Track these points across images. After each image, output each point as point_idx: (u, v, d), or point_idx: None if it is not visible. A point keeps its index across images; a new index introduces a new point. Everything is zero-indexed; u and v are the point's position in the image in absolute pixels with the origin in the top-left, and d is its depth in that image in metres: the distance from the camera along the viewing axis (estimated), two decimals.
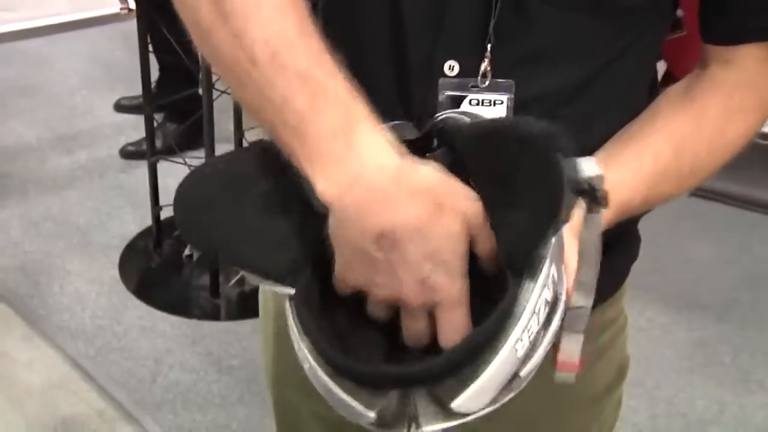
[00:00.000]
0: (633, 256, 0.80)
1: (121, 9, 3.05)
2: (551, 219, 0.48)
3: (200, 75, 2.07)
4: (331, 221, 0.52)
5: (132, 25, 2.31)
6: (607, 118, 0.66)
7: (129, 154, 2.88)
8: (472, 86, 0.62)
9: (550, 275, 0.51)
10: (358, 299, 0.56)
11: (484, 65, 0.61)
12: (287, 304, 0.55)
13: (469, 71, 0.61)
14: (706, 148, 0.64)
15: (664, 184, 0.64)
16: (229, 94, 2.28)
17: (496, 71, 0.61)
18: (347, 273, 0.53)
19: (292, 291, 0.54)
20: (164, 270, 2.40)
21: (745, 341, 2.16)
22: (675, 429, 1.89)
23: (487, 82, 0.61)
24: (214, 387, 1.92)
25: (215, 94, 2.07)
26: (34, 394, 1.88)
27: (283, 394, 0.95)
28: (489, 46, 0.60)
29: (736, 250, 2.54)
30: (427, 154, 0.59)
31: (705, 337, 2.18)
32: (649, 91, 0.70)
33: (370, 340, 0.56)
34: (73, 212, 2.59)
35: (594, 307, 0.62)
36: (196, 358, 2.02)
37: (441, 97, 0.62)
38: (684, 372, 2.06)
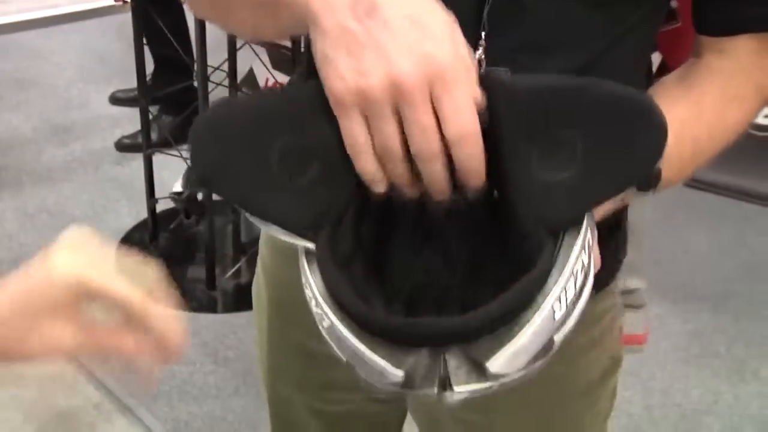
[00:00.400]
0: (626, 245, 0.80)
1: (116, 1, 3.04)
2: (634, 182, 0.49)
3: (195, 67, 2.06)
4: (312, 8, 0.50)
5: (127, 18, 2.30)
6: None
7: (124, 146, 2.87)
8: None
9: (587, 240, 0.51)
10: (376, 251, 0.56)
11: (478, 53, 0.60)
12: (303, 260, 0.54)
13: None
14: (706, 132, 0.64)
15: (666, 170, 0.64)
16: (225, 86, 2.28)
17: (491, 60, 0.61)
18: (336, 69, 0.49)
19: (312, 245, 0.53)
20: (160, 262, 2.40)
21: (739, 332, 2.17)
22: (670, 419, 1.90)
23: (481, 71, 0.61)
24: (210, 378, 1.92)
25: (210, 86, 2.06)
26: (30, 387, 1.87)
27: (276, 387, 0.95)
28: (483, 34, 0.60)
29: (731, 241, 2.55)
30: None
31: (700, 327, 2.19)
32: (644, 82, 0.71)
33: (387, 300, 0.55)
34: (69, 204, 2.59)
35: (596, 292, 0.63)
36: (193, 349, 2.02)
37: None
38: (679, 362, 2.07)
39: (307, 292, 0.53)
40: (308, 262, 0.54)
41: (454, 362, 0.47)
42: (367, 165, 0.51)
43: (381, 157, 0.51)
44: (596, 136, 0.49)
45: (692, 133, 0.64)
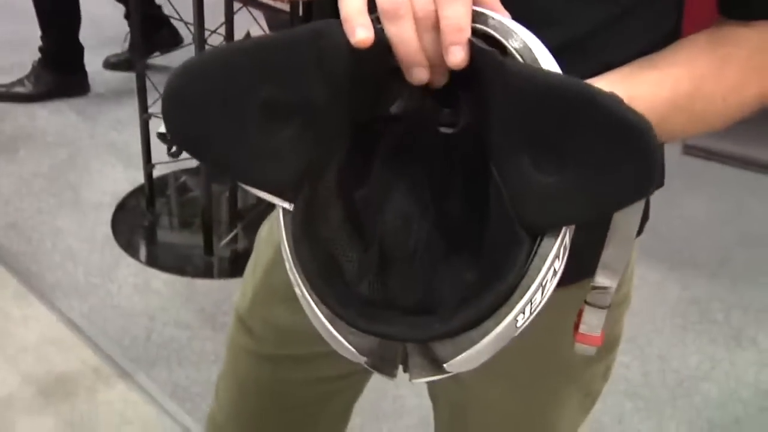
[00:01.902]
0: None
1: None
2: (620, 208, 0.48)
3: (192, 30, 2.03)
4: None
5: None
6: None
7: (111, 65, 3.13)
8: None
9: (563, 244, 0.50)
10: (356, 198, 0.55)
11: None
12: (280, 219, 0.53)
13: None
14: (722, 94, 0.63)
15: (676, 117, 0.62)
16: None
17: None
18: None
19: (289, 206, 0.52)
20: (157, 228, 2.40)
21: (737, 299, 2.17)
22: (667, 385, 1.91)
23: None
24: (207, 344, 1.92)
25: (207, 48, 2.04)
26: (28, 350, 1.88)
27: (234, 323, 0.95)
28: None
29: (730, 209, 2.54)
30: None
31: (697, 294, 2.19)
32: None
33: (363, 260, 0.55)
34: (64, 169, 2.57)
35: (580, 280, 0.62)
36: (190, 315, 2.02)
37: None
38: (676, 329, 2.08)
39: (284, 253, 0.53)
40: (284, 223, 0.53)
41: (415, 358, 0.51)
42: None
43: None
44: (590, 152, 0.46)
45: (710, 90, 0.62)
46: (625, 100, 0.57)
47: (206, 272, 2.19)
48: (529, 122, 0.48)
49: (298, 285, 0.52)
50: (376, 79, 0.54)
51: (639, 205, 0.54)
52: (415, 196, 0.57)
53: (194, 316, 2.01)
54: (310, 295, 0.51)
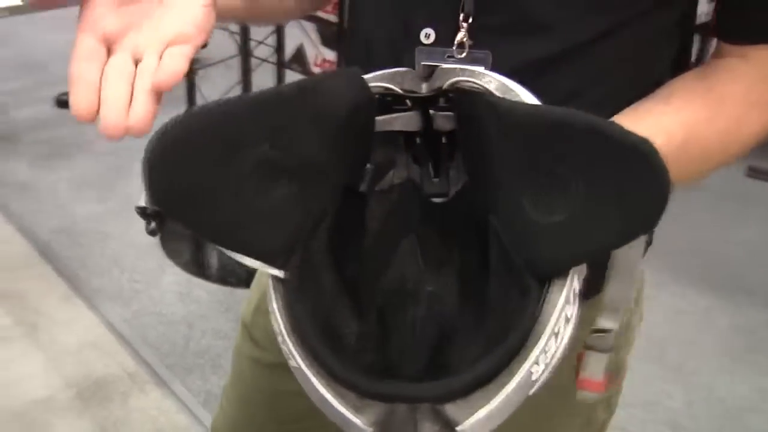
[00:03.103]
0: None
1: None
2: (631, 233, 0.43)
3: (238, 40, 2.05)
4: None
5: None
6: (596, 95, 0.62)
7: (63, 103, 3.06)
8: (449, 56, 0.59)
9: (573, 288, 0.46)
10: (348, 259, 0.53)
11: (461, 35, 0.58)
12: (271, 289, 0.50)
13: (446, 41, 0.59)
14: (718, 139, 0.60)
15: (671, 166, 0.60)
16: (271, 62, 2.24)
17: (477, 41, 0.58)
18: None
19: (281, 273, 0.49)
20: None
21: None
22: (712, 415, 1.84)
23: (464, 53, 0.58)
24: None
25: (255, 63, 2.05)
26: (70, 354, 1.91)
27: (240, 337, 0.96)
28: (462, 15, 0.58)
29: None
30: (431, 112, 0.56)
31: (747, 322, 2.11)
32: (646, 83, 0.65)
33: (362, 329, 0.52)
34: (114, 177, 2.63)
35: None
36: (229, 324, 2.04)
37: (417, 67, 0.58)
38: (724, 358, 2.00)
39: (274, 324, 0.49)
40: (275, 291, 0.50)
41: (426, 423, 0.45)
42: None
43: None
44: (596, 182, 0.43)
45: (705, 136, 0.59)
46: None
47: (248, 282, 2.20)
48: (529, 159, 0.46)
49: (293, 356, 0.48)
50: (367, 145, 0.54)
51: (640, 240, 0.50)
52: (411, 265, 0.56)
53: (232, 326, 2.02)
54: (308, 366, 0.47)
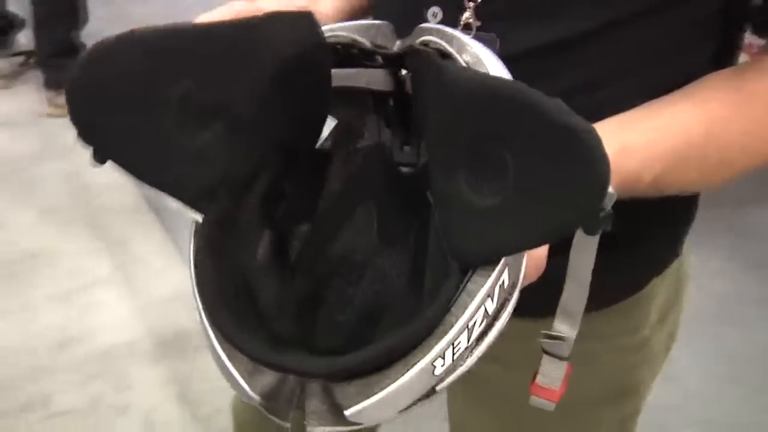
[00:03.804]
0: (649, 263, 0.69)
1: None
2: (572, 222, 0.39)
3: None
4: None
5: None
6: (620, 88, 0.57)
7: None
8: None
9: (500, 282, 0.43)
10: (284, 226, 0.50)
11: (466, 15, 0.54)
12: (191, 233, 0.48)
13: (454, 21, 0.55)
14: (739, 140, 0.54)
15: (686, 167, 0.54)
16: None
17: (484, 23, 0.55)
18: None
19: (198, 217, 0.47)
20: None
21: None
22: None
23: (471, 35, 0.54)
24: None
25: None
26: (158, 304, 1.99)
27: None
28: None
29: None
30: (403, 72, 0.52)
31: None
32: (715, 66, 0.59)
33: (285, 294, 0.49)
34: None
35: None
36: None
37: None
38: None
39: (189, 269, 0.47)
40: (193, 238, 0.47)
41: (313, 401, 0.43)
42: None
43: None
44: (531, 168, 0.39)
45: (726, 137, 0.54)
46: (617, 150, 0.50)
47: None
48: (465, 130, 0.41)
49: (197, 309, 0.46)
50: (320, 99, 0.50)
51: (592, 242, 0.47)
52: (364, 236, 0.52)
53: None
54: (208, 322, 0.45)
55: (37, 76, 2.79)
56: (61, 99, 2.73)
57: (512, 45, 0.54)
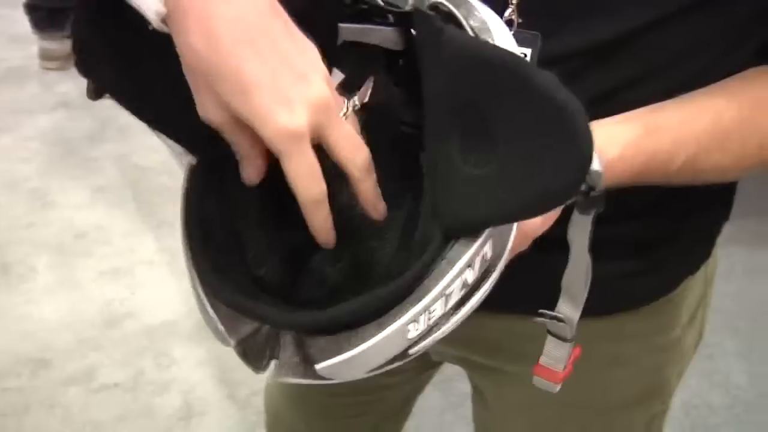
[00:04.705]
0: (683, 263, 0.69)
1: None
2: (551, 197, 0.39)
3: None
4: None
5: None
6: (651, 84, 0.56)
7: None
8: None
9: (482, 253, 0.43)
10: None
11: (508, 12, 0.54)
12: (185, 171, 0.49)
13: None
14: (758, 139, 0.53)
15: (721, 149, 0.53)
16: None
17: (526, 20, 0.54)
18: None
19: (193, 160, 0.48)
20: None
21: None
22: None
23: (511, 32, 0.53)
24: None
25: None
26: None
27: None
28: None
29: None
30: (413, 32, 0.51)
31: None
32: (752, 62, 0.58)
33: (275, 242, 0.49)
34: None
35: (610, 313, 0.55)
36: None
37: None
38: None
39: (181, 208, 0.48)
40: (188, 180, 0.48)
41: (287, 352, 0.44)
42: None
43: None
44: (517, 136, 0.39)
45: (759, 119, 0.53)
46: (647, 131, 0.50)
47: None
48: (458, 97, 0.41)
49: (186, 248, 0.47)
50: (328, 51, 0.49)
51: (586, 222, 0.47)
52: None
53: None
54: (192, 264, 0.46)
55: None
56: None
57: (555, 44, 0.54)
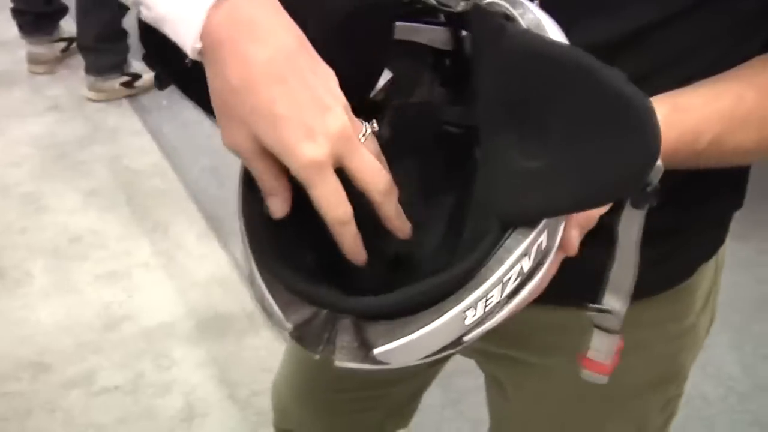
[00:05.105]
0: (698, 250, 0.71)
1: None
2: (612, 191, 0.40)
3: None
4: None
5: None
6: (658, 83, 0.57)
7: None
8: None
9: (538, 242, 0.44)
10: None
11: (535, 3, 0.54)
12: (241, 164, 0.51)
13: None
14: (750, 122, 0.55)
15: (743, 129, 0.55)
16: None
17: (548, 13, 0.55)
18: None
19: None
20: None
21: None
22: None
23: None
24: None
25: None
26: (198, 286, 2.03)
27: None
28: None
29: None
30: (464, 33, 0.53)
31: None
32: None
33: (317, 225, 0.50)
34: None
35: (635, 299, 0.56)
36: None
37: None
38: None
39: (237, 201, 0.50)
40: (244, 169, 0.50)
41: (344, 336, 0.45)
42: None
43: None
44: (579, 130, 0.40)
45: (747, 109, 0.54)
46: (674, 108, 0.50)
47: None
48: (518, 89, 0.43)
49: (244, 239, 0.49)
50: (380, 49, 0.51)
51: (639, 216, 0.48)
52: (405, 188, 0.53)
53: None
54: (251, 249, 0.48)
55: (79, 61, 2.83)
56: (102, 84, 2.78)
57: (578, 36, 0.54)
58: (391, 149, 0.54)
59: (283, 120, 0.43)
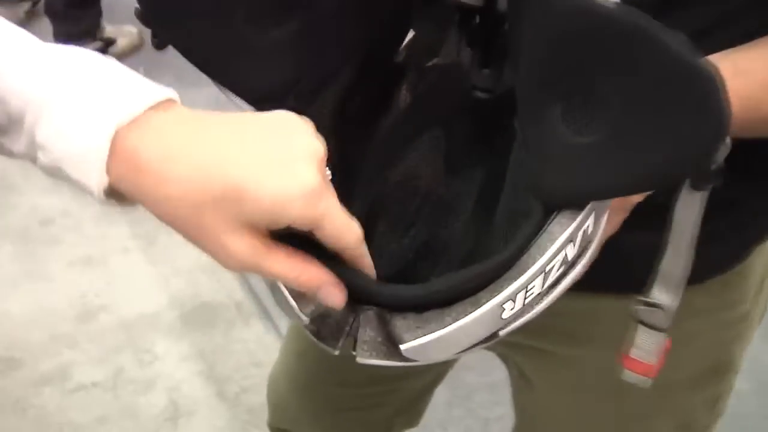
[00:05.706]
0: (751, 231, 0.67)
1: None
2: (675, 170, 0.38)
3: None
4: None
5: None
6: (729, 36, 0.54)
7: None
8: None
9: (584, 227, 0.41)
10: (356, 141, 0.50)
11: None
12: None
13: None
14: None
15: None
16: None
17: None
18: None
19: None
20: None
21: None
22: None
23: None
24: None
25: None
26: (181, 274, 1.91)
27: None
28: None
29: None
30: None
31: None
32: None
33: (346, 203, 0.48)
34: None
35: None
36: None
37: None
38: None
39: None
40: None
41: (367, 331, 0.41)
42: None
43: None
44: (637, 101, 0.36)
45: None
46: (732, 75, 0.46)
47: None
48: (568, 59, 0.39)
49: None
50: (404, 9, 0.48)
51: (700, 199, 0.44)
52: (430, 162, 0.51)
53: None
54: None
55: (47, 25, 2.67)
56: None
57: None
58: (414, 116, 0.51)
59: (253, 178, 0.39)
